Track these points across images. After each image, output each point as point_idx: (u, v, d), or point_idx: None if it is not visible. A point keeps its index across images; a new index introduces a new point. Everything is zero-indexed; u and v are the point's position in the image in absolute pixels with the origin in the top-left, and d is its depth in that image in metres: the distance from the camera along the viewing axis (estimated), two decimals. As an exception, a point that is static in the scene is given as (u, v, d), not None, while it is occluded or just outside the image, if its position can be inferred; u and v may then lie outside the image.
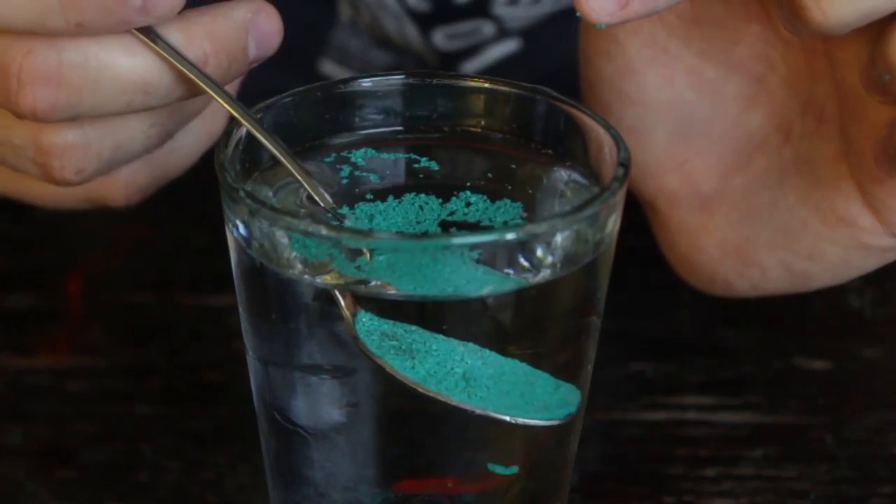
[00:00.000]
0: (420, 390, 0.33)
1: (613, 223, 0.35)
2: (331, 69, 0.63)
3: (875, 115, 0.37)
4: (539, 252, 0.33)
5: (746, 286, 0.43)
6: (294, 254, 0.33)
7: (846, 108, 0.39)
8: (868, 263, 0.41)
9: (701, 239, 0.43)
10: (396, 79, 0.38)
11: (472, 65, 0.63)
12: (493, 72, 0.64)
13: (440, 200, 0.36)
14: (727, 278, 0.43)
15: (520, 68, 0.64)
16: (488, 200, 0.36)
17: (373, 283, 0.33)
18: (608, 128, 0.36)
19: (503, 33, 0.63)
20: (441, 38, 0.62)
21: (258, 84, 0.66)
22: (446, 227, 0.36)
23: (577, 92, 0.66)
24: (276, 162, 0.36)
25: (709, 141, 0.42)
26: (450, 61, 0.63)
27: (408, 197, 0.36)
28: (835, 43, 0.38)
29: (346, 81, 0.38)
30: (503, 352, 0.34)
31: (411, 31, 0.61)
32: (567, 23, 0.63)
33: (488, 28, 0.62)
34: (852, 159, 0.39)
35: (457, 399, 0.33)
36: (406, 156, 0.37)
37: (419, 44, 0.61)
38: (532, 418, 0.34)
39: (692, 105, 0.42)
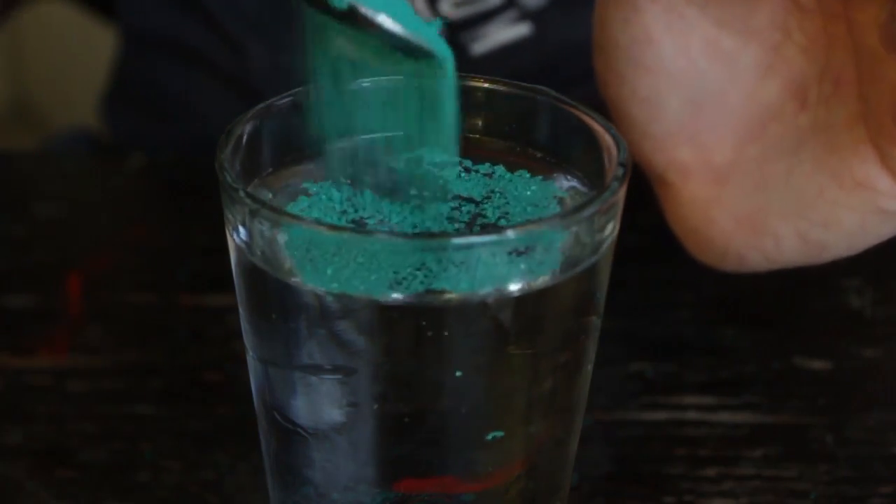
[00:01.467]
0: None
1: (613, 224, 0.35)
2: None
3: (894, 75, 0.37)
4: (538, 253, 0.33)
5: (759, 258, 0.42)
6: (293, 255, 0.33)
7: (865, 71, 0.38)
8: (885, 229, 0.40)
9: (713, 211, 0.42)
10: (396, 80, 0.38)
11: (481, 45, 0.63)
12: (503, 55, 0.63)
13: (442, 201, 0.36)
14: (740, 251, 0.42)
15: (529, 52, 0.64)
16: (487, 201, 0.36)
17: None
18: (608, 128, 0.36)
19: (511, 3, 0.62)
20: (447, 5, 0.61)
21: (273, 64, 0.66)
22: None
23: (586, 77, 0.67)
24: (277, 162, 0.36)
25: (723, 111, 0.41)
26: (457, 36, 0.63)
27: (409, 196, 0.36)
28: (855, 4, 0.38)
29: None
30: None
31: (419, 1, 0.61)
32: (577, 7, 0.63)
33: None
34: (870, 122, 0.38)
35: None
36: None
37: (425, 13, 0.61)
38: None
39: (708, 75, 0.41)
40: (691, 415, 0.47)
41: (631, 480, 0.44)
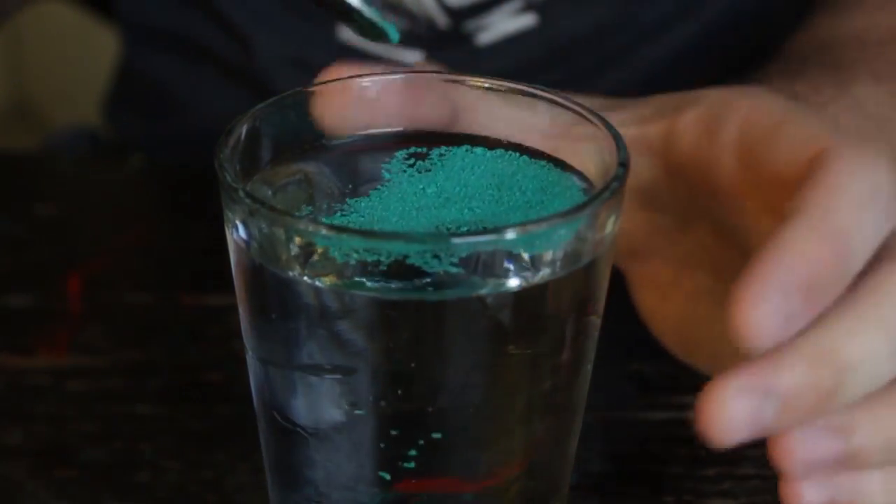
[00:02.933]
0: None
1: (613, 223, 0.35)
2: (349, 35, 0.63)
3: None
4: (538, 251, 0.33)
5: (702, 368, 0.43)
6: (294, 253, 0.33)
7: None
8: None
9: (657, 315, 0.44)
10: (396, 77, 0.38)
11: (486, 35, 0.63)
12: (509, 46, 0.63)
13: (440, 199, 0.36)
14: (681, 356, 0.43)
15: (536, 43, 0.64)
16: (488, 200, 0.36)
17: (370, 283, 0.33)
18: (609, 128, 0.36)
19: None
20: None
21: (279, 56, 0.66)
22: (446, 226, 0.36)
23: (592, 68, 0.66)
24: (276, 162, 0.36)
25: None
26: (463, 25, 0.63)
27: (409, 196, 0.36)
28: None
29: (344, 81, 0.38)
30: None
31: None
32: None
33: None
34: None
35: None
36: (406, 152, 0.37)
37: (431, 3, 0.61)
38: None
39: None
40: (691, 414, 0.47)
41: (631, 480, 0.44)
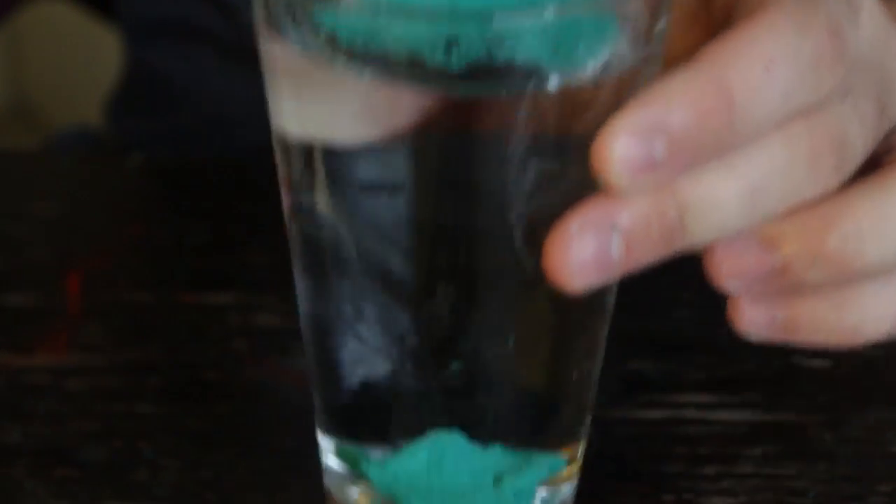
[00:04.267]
0: None
1: (666, 18, 0.33)
2: None
3: None
4: (583, 39, 0.31)
5: None
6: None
7: None
8: None
9: None
10: None
11: None
12: None
13: None
14: None
15: None
16: None
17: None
18: None
19: None
20: None
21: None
22: None
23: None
24: None
25: None
26: None
27: None
28: None
29: None
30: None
31: None
32: None
33: None
34: None
35: None
36: None
37: None
38: None
39: None
40: (690, 413, 0.47)
41: (629, 479, 0.44)
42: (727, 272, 0.33)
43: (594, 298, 0.36)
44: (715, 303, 0.52)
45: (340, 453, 0.38)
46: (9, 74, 1.67)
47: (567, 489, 0.39)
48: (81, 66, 1.48)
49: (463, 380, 0.35)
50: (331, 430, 0.38)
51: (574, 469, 0.39)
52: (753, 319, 0.33)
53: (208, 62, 0.70)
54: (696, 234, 0.32)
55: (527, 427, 0.37)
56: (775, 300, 0.33)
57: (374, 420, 0.36)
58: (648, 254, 0.32)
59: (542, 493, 0.38)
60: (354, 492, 0.38)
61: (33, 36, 1.59)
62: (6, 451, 0.45)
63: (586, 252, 0.31)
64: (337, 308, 0.35)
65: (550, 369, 0.37)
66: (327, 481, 0.39)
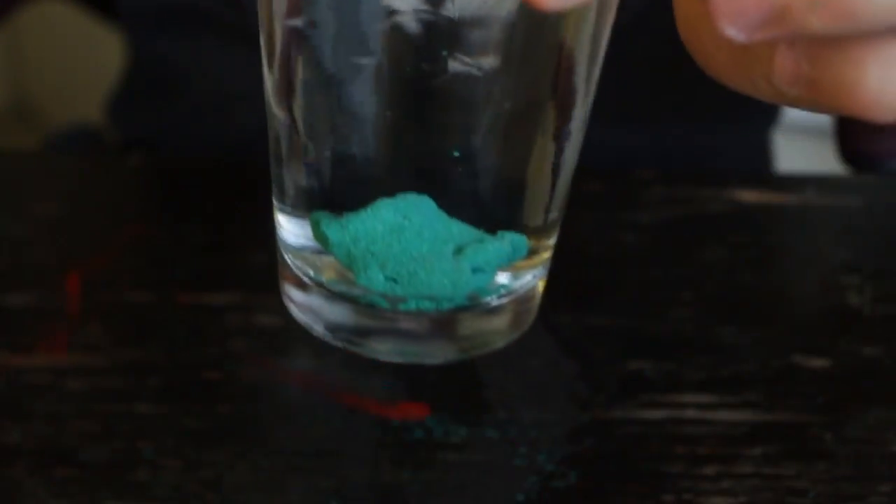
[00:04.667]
0: None
1: None
2: None
3: None
4: None
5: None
6: None
7: None
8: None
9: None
10: None
11: None
12: None
13: None
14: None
15: None
16: None
17: None
18: None
19: None
20: None
21: None
22: None
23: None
24: None
25: None
26: None
27: None
28: None
29: None
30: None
31: None
32: None
33: None
34: None
35: None
36: None
37: None
38: None
39: None
40: (690, 413, 0.47)
41: (630, 479, 0.44)
42: (726, 13, 0.31)
43: (572, 70, 0.35)
44: (715, 303, 0.53)
45: (301, 221, 0.37)
46: (9, 74, 1.67)
47: (529, 279, 0.38)
48: (81, 65, 1.48)
49: (433, 153, 0.34)
50: (294, 204, 0.37)
51: (539, 261, 0.37)
52: (783, 68, 0.32)
53: (210, 46, 0.70)
54: None
55: (494, 203, 0.36)
56: (801, 52, 0.32)
57: (342, 189, 0.35)
58: None
59: (502, 277, 0.37)
60: (312, 263, 0.37)
61: (33, 36, 1.59)
62: (6, 451, 0.45)
63: None
64: (313, 72, 0.34)
65: (521, 148, 0.36)
66: (281, 258, 0.38)
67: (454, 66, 0.33)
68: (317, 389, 0.48)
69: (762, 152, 0.76)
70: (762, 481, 0.44)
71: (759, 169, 0.76)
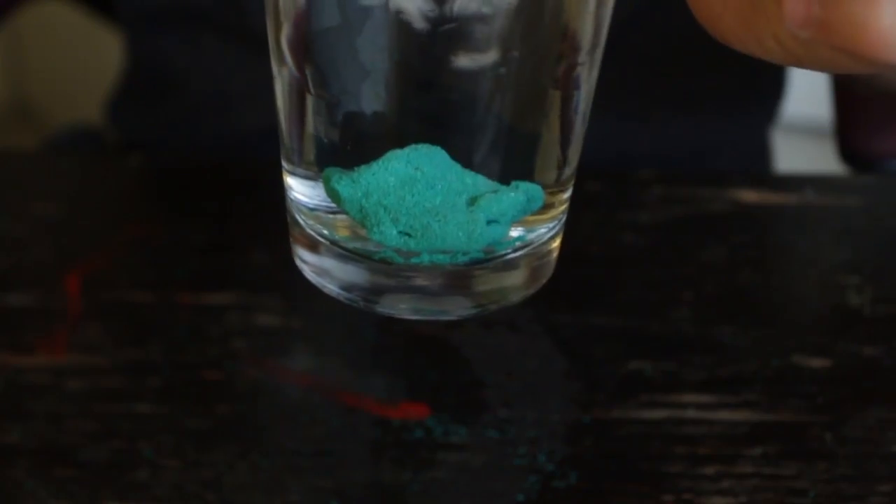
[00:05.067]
0: None
1: None
2: None
3: None
4: None
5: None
6: None
7: None
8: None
9: None
10: None
11: None
12: None
13: None
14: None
15: None
16: None
17: None
18: None
19: None
20: None
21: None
22: None
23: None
24: None
25: None
26: None
27: None
28: None
29: None
30: None
31: None
32: None
33: None
34: None
35: None
36: None
37: None
38: None
39: None
40: (690, 413, 0.47)
41: (630, 479, 0.44)
42: None
43: (584, 29, 0.35)
44: (715, 303, 0.53)
45: (311, 182, 0.36)
46: (9, 74, 1.67)
47: (544, 232, 0.37)
48: (81, 66, 1.48)
49: (445, 105, 0.34)
50: (305, 163, 0.36)
51: (554, 215, 0.37)
52: (795, 11, 0.32)
53: (209, 46, 0.70)
54: None
55: (509, 156, 0.35)
56: None
57: (354, 144, 0.35)
58: None
59: (517, 231, 0.36)
60: (324, 222, 0.36)
61: (33, 36, 1.59)
62: (6, 451, 0.45)
63: None
64: (325, 24, 0.34)
65: (535, 101, 0.35)
66: (292, 220, 0.37)
67: (464, 7, 0.32)
68: (317, 389, 0.48)
69: (762, 152, 0.76)
70: (762, 481, 0.44)
71: (758, 169, 0.76)
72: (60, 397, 0.48)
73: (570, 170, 0.37)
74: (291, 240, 0.38)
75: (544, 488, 0.44)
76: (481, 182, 0.34)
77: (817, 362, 0.49)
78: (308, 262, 0.37)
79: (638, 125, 0.69)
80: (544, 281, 0.38)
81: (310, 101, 0.35)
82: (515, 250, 0.36)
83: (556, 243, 0.38)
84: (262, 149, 0.56)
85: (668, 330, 0.51)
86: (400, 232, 0.34)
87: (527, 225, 0.36)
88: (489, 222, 0.34)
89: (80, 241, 0.57)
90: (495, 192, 0.34)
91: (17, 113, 1.68)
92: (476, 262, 0.35)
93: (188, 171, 0.62)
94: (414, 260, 0.35)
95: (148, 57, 0.75)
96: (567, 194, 0.37)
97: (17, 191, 0.61)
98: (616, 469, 0.45)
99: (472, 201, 0.34)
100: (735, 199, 0.59)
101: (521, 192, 0.35)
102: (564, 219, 0.38)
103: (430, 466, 0.45)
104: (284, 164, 0.37)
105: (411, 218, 0.34)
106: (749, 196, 0.59)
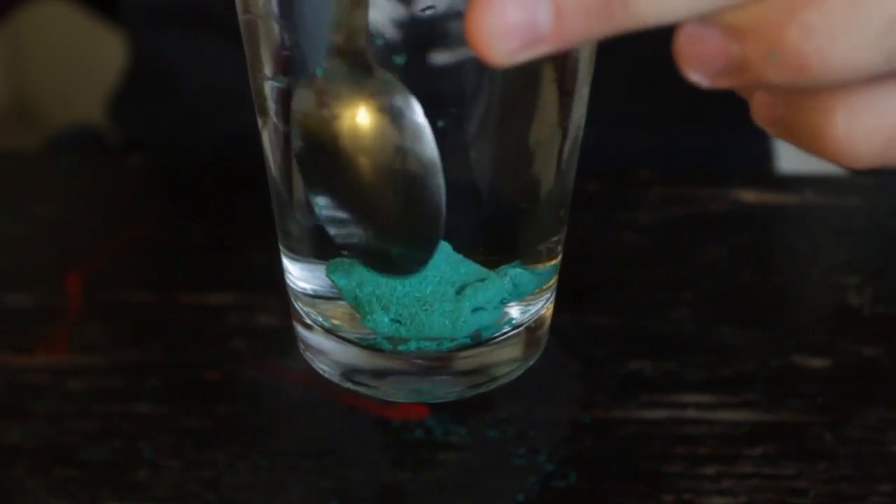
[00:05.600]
0: None
1: None
2: None
3: None
4: None
5: None
6: None
7: None
8: None
9: None
10: None
11: None
12: None
13: None
14: None
15: None
16: None
17: None
18: None
19: None
20: None
21: None
22: None
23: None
24: None
25: None
26: None
27: None
28: None
29: None
30: None
31: None
32: None
33: None
34: None
35: None
36: None
37: None
38: None
39: None
40: (690, 413, 0.47)
41: (630, 479, 0.44)
42: (688, 58, 0.30)
43: (563, 109, 0.35)
44: (715, 303, 0.53)
45: (309, 266, 0.37)
46: (9, 74, 1.67)
47: (536, 309, 0.38)
48: (81, 66, 1.48)
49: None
50: (298, 251, 0.37)
51: (546, 290, 0.38)
52: (760, 110, 0.32)
53: (209, 45, 0.70)
54: (640, 12, 0.28)
55: (494, 235, 0.36)
56: (776, 95, 0.31)
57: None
58: (583, 26, 0.28)
59: (513, 311, 0.37)
60: (320, 308, 0.37)
61: (33, 36, 1.59)
62: (6, 451, 0.45)
63: (509, 16, 0.27)
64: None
65: (518, 173, 0.36)
66: (293, 303, 0.38)
67: (440, 59, 0.33)
68: (317, 389, 0.48)
69: (762, 152, 0.76)
70: (762, 481, 0.44)
71: (759, 169, 0.76)
72: (60, 397, 0.48)
73: (556, 241, 0.38)
74: (293, 321, 0.39)
75: (544, 488, 0.44)
76: (474, 271, 0.35)
77: (817, 362, 0.49)
78: (308, 345, 0.38)
79: (639, 127, 0.69)
80: (539, 352, 0.39)
81: (297, 199, 0.36)
82: (505, 332, 0.37)
83: (549, 312, 0.39)
84: (261, 148, 0.56)
85: (668, 330, 0.51)
86: (391, 320, 0.35)
87: (522, 304, 0.37)
88: (475, 310, 0.35)
89: (80, 241, 0.57)
90: (482, 280, 0.35)
91: (17, 113, 1.68)
92: (463, 348, 0.36)
93: (188, 171, 0.62)
94: (401, 347, 0.36)
95: (149, 56, 0.75)
96: (556, 262, 0.38)
97: (17, 191, 0.61)
98: (616, 469, 0.45)
99: (460, 290, 0.35)
100: (735, 199, 0.59)
101: (507, 280, 0.36)
102: (555, 290, 0.39)
103: (430, 466, 0.45)
104: (282, 247, 0.38)
105: (401, 307, 0.35)
106: (749, 196, 0.59)
